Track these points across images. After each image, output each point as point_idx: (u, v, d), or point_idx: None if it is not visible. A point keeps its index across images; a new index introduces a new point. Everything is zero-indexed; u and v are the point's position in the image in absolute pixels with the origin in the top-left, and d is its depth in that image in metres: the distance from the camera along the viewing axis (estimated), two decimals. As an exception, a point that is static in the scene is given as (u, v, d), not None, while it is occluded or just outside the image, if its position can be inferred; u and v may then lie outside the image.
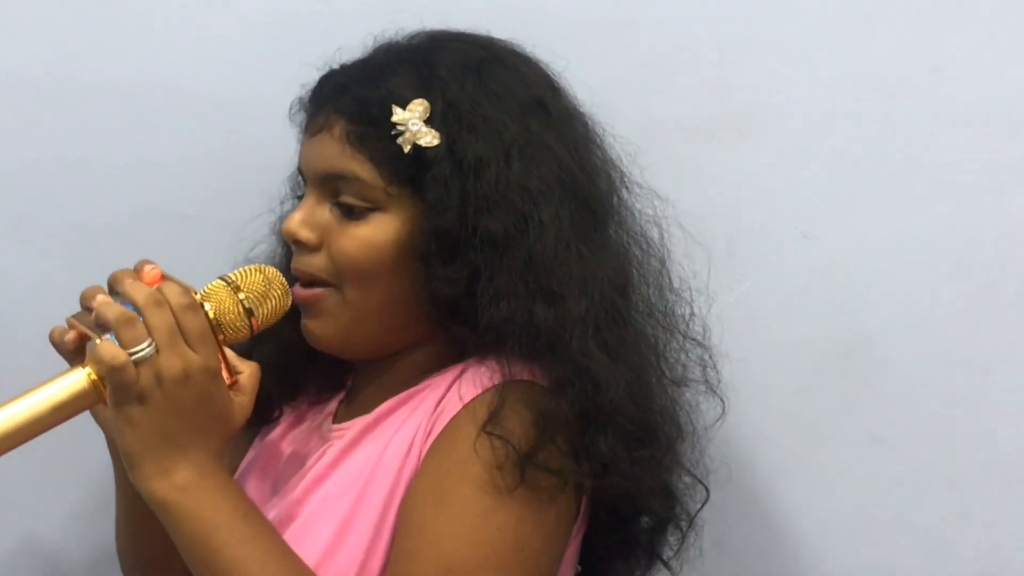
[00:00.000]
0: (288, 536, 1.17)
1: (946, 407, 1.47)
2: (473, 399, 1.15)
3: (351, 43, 1.29)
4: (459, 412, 1.16)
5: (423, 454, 1.17)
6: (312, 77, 1.28)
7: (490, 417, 1.13)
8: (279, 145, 1.36)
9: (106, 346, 1.08)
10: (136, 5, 1.52)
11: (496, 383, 1.16)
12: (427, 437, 1.17)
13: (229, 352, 1.16)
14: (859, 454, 1.49)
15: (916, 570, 1.49)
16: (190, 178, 1.55)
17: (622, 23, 1.49)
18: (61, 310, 1.43)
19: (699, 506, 1.28)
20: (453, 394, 1.18)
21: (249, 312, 1.17)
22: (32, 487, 1.53)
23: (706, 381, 1.30)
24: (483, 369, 1.17)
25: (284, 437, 1.34)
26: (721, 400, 1.32)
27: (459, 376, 1.19)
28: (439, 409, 1.18)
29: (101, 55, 1.51)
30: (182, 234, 1.53)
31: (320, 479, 1.23)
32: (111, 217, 1.53)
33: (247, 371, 1.16)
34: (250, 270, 1.19)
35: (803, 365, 1.49)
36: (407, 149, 1.18)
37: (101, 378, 1.10)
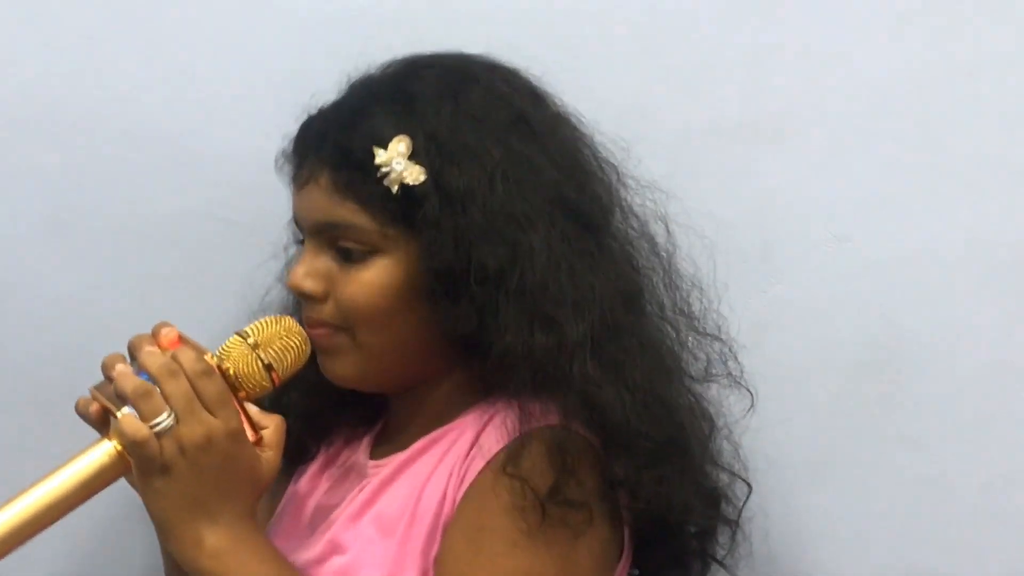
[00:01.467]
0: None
1: (979, 409, 1.45)
2: (496, 453, 1.15)
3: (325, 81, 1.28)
4: (484, 467, 1.15)
5: (456, 502, 1.16)
6: (291, 127, 1.27)
7: (508, 459, 1.13)
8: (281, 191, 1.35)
9: (127, 421, 1.09)
10: (192, 16, 1.53)
11: (520, 432, 1.15)
12: (460, 485, 1.17)
13: (252, 409, 1.16)
14: (892, 456, 1.48)
15: (951, 571, 1.48)
16: (225, 180, 1.54)
17: (655, 28, 1.48)
18: (96, 314, 1.50)
19: (743, 501, 1.28)
20: (482, 441, 1.17)
21: (269, 367, 1.16)
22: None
23: (729, 374, 1.29)
24: (504, 417, 1.16)
25: (320, 475, 1.34)
26: (748, 392, 1.31)
27: (488, 422, 1.18)
28: (469, 457, 1.17)
29: (148, 62, 1.53)
30: (219, 238, 1.54)
31: (355, 517, 1.23)
32: (148, 220, 1.53)
33: (271, 425, 1.16)
34: (267, 323, 1.18)
35: (837, 367, 1.48)
36: (395, 190, 1.17)
37: (128, 453, 1.11)
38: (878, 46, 1.45)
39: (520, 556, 1.11)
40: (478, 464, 1.16)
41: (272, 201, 1.45)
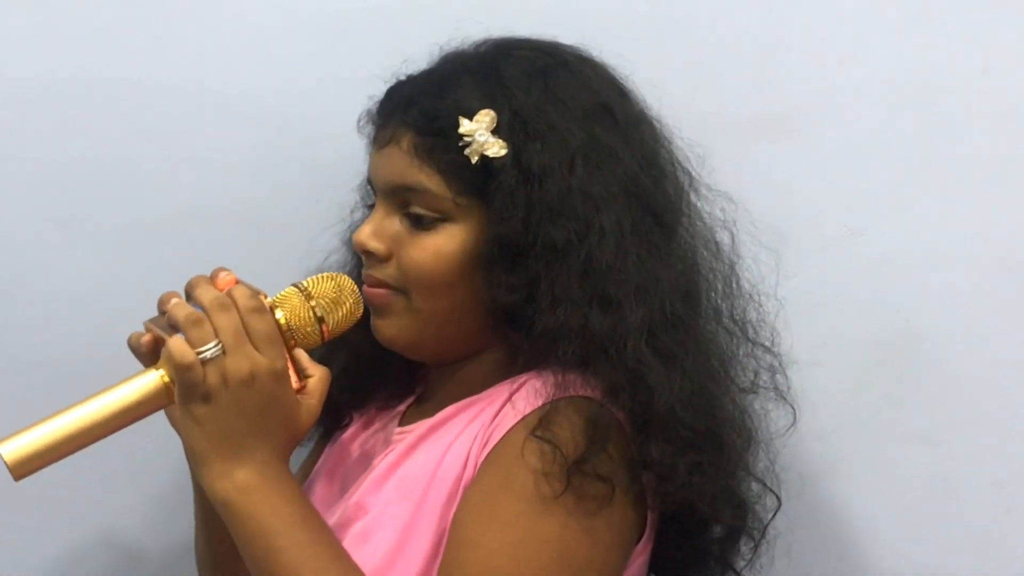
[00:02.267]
0: (348, 541, 1.19)
1: (995, 405, 1.46)
2: (528, 413, 1.16)
3: (416, 50, 1.29)
4: (514, 426, 1.16)
5: (479, 464, 1.17)
6: (380, 89, 1.29)
7: (540, 423, 1.13)
8: (350, 155, 1.37)
9: (176, 343, 1.11)
10: (199, 8, 1.53)
11: (552, 397, 1.15)
12: (483, 448, 1.17)
13: (302, 355, 1.17)
14: (907, 453, 1.48)
15: (965, 569, 1.48)
16: (243, 176, 1.55)
17: (667, 22, 1.49)
18: (110, 308, 1.49)
19: (771, 515, 1.28)
20: (509, 407, 1.18)
21: (320, 319, 1.18)
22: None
23: (775, 388, 1.30)
24: (540, 383, 1.17)
25: (353, 440, 1.35)
26: (792, 408, 1.31)
27: (518, 389, 1.19)
28: (496, 421, 1.18)
29: (163, 56, 1.53)
30: (231, 232, 1.54)
31: (380, 481, 1.24)
32: (160, 216, 1.54)
33: (317, 375, 1.17)
34: (323, 277, 1.20)
35: (851, 363, 1.48)
36: (474, 160, 1.19)
37: (173, 380, 1.13)
38: (894, 41, 1.46)
39: (536, 521, 1.11)
40: (507, 424, 1.16)
41: (285, 197, 1.51)
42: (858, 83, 1.46)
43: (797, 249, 1.45)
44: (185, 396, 1.11)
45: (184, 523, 1.35)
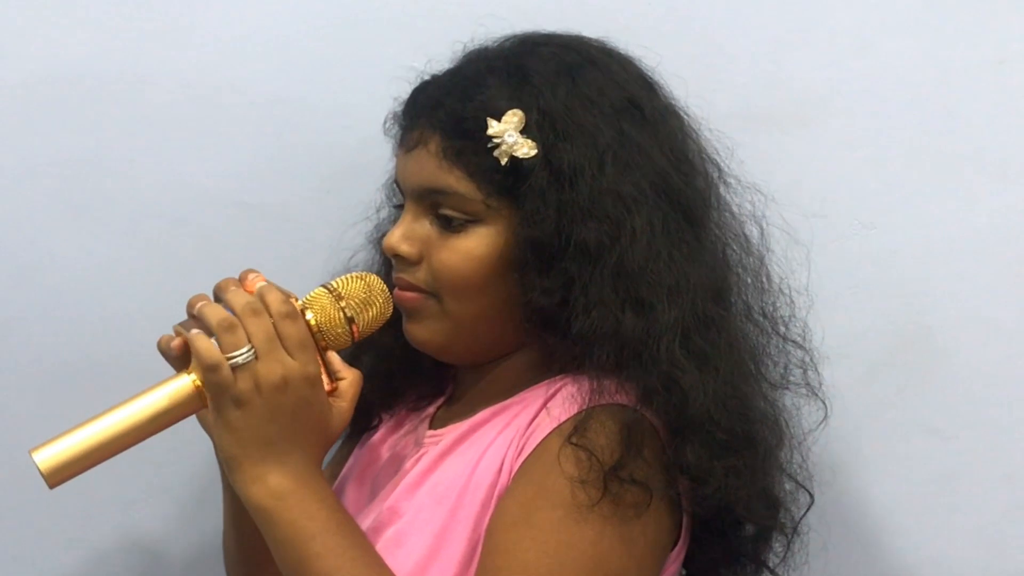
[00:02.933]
0: (381, 546, 1.18)
1: (1007, 399, 1.46)
2: (564, 420, 1.15)
3: (439, 47, 1.28)
4: (549, 433, 1.15)
5: (514, 472, 1.16)
6: (403, 86, 1.28)
7: (575, 430, 1.13)
8: (373, 153, 1.36)
9: (203, 344, 1.10)
10: (219, 3, 1.52)
11: (588, 404, 1.15)
12: (518, 455, 1.17)
13: (334, 357, 1.17)
14: (918, 446, 1.48)
15: (973, 563, 1.48)
16: (265, 173, 1.54)
17: (679, 14, 1.48)
18: (120, 299, 1.49)
19: (803, 512, 1.27)
20: (545, 414, 1.17)
21: (350, 320, 1.18)
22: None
23: (807, 384, 1.29)
24: (576, 388, 1.17)
25: (383, 443, 1.34)
26: (823, 403, 1.31)
27: (553, 395, 1.19)
28: (531, 428, 1.17)
29: (185, 53, 1.52)
30: (244, 224, 1.54)
31: (414, 486, 1.23)
32: (171, 207, 1.53)
33: (349, 378, 1.17)
34: (352, 278, 1.20)
35: (862, 356, 1.48)
36: (504, 162, 1.18)
37: (202, 376, 1.12)
38: (905, 33, 1.45)
39: (573, 530, 1.10)
40: (542, 431, 1.16)
41: (294, 187, 1.50)
42: (870, 76, 1.46)
43: (809, 242, 1.44)
44: (217, 400, 1.11)
45: (208, 524, 1.35)
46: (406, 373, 1.33)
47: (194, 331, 1.12)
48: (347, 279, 1.20)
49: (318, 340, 1.15)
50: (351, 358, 1.23)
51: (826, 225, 1.46)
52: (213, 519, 1.35)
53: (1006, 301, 1.46)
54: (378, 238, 1.36)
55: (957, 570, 1.49)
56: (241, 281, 1.17)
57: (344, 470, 1.37)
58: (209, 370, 1.10)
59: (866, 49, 1.46)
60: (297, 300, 1.16)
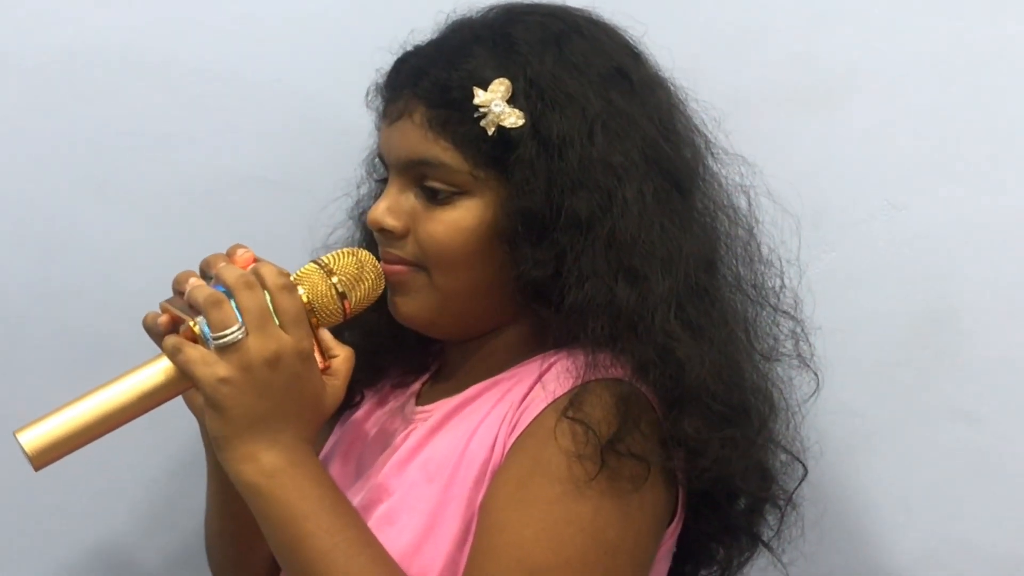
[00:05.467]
0: (372, 523, 1.16)
1: None
2: (559, 395, 1.14)
3: (422, 18, 1.26)
4: (544, 409, 1.14)
5: (507, 448, 1.15)
6: (385, 60, 1.26)
7: (571, 404, 1.11)
8: (353, 129, 1.35)
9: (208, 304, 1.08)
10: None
11: (583, 379, 1.13)
12: (512, 431, 1.15)
13: (326, 335, 1.15)
14: (943, 428, 1.47)
15: (1002, 545, 1.47)
16: (269, 145, 1.55)
17: None
18: (140, 275, 1.46)
19: (796, 484, 1.26)
20: (539, 389, 1.16)
21: (342, 296, 1.16)
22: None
23: (799, 355, 1.28)
24: (571, 362, 1.15)
25: (367, 419, 1.33)
26: (815, 374, 1.30)
27: (547, 370, 1.17)
28: (525, 403, 1.16)
29: (184, 32, 1.52)
30: (262, 201, 1.53)
31: (404, 463, 1.22)
32: (193, 183, 1.53)
33: (342, 355, 1.15)
34: (342, 253, 1.18)
35: (888, 337, 1.47)
36: (491, 131, 1.16)
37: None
38: (934, 11, 1.44)
39: (571, 505, 1.09)
40: (537, 406, 1.14)
41: (311, 163, 1.49)
42: (899, 54, 1.45)
43: (835, 222, 1.44)
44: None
45: (181, 526, 1.33)
46: (391, 350, 1.31)
47: (190, 315, 1.10)
48: (338, 254, 1.18)
49: (309, 317, 1.13)
50: (335, 335, 1.20)
51: (854, 205, 1.46)
52: (185, 522, 1.33)
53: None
54: (359, 214, 1.34)
55: (955, 547, 1.49)
56: (229, 256, 1.15)
57: (326, 448, 1.35)
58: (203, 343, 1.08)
59: (894, 28, 1.45)
60: (289, 275, 1.14)
